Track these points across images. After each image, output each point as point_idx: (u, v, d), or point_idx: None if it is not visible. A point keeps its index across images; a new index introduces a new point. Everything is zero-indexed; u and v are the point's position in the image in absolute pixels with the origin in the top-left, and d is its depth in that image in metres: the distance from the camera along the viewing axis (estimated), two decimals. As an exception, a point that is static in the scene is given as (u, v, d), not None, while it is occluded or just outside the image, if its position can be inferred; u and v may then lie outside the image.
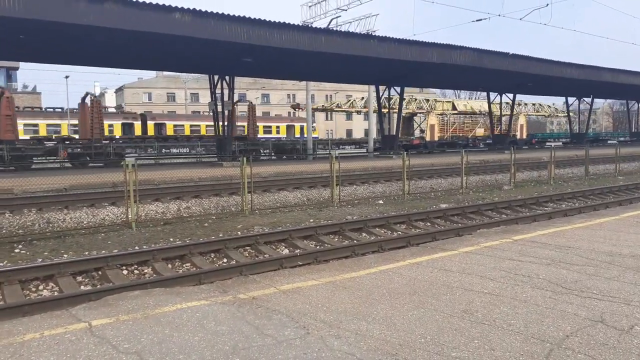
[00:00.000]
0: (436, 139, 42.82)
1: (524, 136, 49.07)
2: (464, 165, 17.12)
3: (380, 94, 31.81)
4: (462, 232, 9.66)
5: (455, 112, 47.82)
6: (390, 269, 5.87)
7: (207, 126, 37.60)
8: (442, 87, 72.13)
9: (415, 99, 46.23)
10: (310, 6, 30.35)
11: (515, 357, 3.51)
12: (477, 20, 28.52)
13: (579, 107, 46.43)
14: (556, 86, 36.64)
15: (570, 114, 49.18)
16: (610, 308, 4.44)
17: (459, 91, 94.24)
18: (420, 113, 47.26)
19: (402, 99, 30.95)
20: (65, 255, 8.53)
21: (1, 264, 7.97)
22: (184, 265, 8.08)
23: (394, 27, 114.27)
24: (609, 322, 4.12)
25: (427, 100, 47.09)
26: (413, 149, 36.92)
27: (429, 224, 11.37)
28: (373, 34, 25.24)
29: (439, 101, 49.26)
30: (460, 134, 46.83)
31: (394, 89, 31.10)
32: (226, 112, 24.98)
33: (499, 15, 27.21)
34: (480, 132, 48.63)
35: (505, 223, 10.61)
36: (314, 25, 27.30)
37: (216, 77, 25.29)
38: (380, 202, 14.85)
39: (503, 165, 22.49)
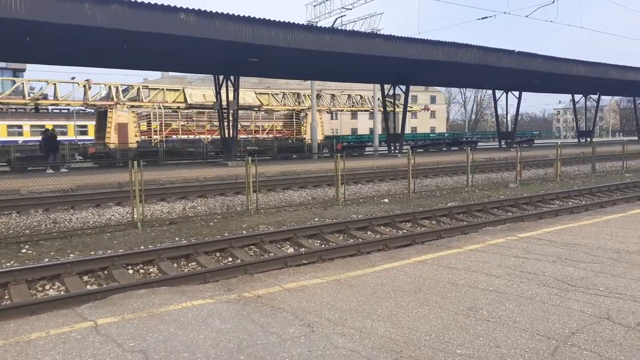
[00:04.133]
0: (134, 144, 29.54)
1: (319, 138, 35.58)
2: (469, 163, 17.06)
3: (386, 92, 31.78)
4: (468, 230, 9.63)
5: (183, 103, 33.03)
6: (395, 267, 5.86)
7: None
8: (447, 86, 72.03)
9: (108, 85, 31.91)
10: (315, 5, 30.37)
11: (520, 354, 3.49)
12: (482, 18, 28.47)
13: (585, 104, 46.14)
14: (563, 83, 36.44)
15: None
16: (617, 305, 4.41)
17: (465, 90, 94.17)
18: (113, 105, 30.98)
19: (407, 97, 30.87)
20: (71, 255, 8.57)
21: (8, 264, 8.02)
22: (189, 265, 8.09)
23: (398, 26, 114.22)
24: (615, 319, 4.09)
25: (125, 89, 32.16)
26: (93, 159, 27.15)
27: (434, 222, 11.34)
28: (378, 33, 25.22)
29: (154, 89, 34.15)
30: (193, 136, 33.25)
31: (399, 87, 31.05)
32: (232, 112, 25.05)
33: (505, 13, 27.10)
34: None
35: (511, 221, 10.56)
36: (318, 25, 27.31)
37: (221, 77, 25.37)
38: (386, 200, 14.83)
39: (509, 163, 22.40)
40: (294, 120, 37.85)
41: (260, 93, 37.52)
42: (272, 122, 36.81)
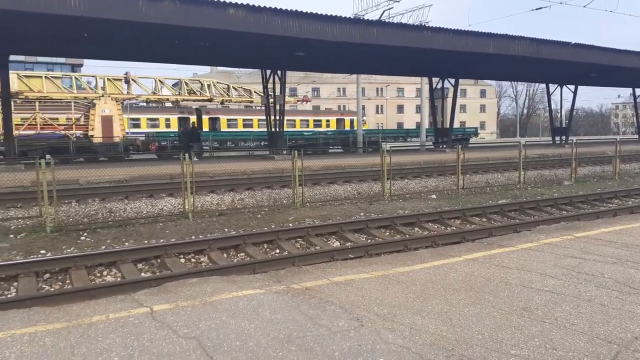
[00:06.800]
0: None
1: (116, 137, 27.56)
2: (521, 159, 16.52)
3: (434, 86, 31.24)
4: (520, 228, 9.34)
5: None
6: (444, 264, 5.76)
7: (259, 120, 38.19)
8: (498, 79, 69.95)
9: None
10: (362, -2, 30.13)
11: (579, 357, 3.37)
12: (537, 9, 27.33)
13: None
14: (622, 76, 34.59)
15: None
16: (685, 311, 4.17)
17: (516, 83, 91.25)
18: None
19: (456, 91, 30.22)
20: (126, 243, 8.91)
21: (69, 250, 8.44)
22: (238, 255, 8.25)
23: (447, 18, 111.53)
24: (683, 325, 3.87)
25: None
26: None
27: (484, 219, 11.05)
28: (426, 25, 24.75)
29: None
30: None
31: (448, 80, 30.43)
32: (278, 106, 25.29)
33: (561, 3, 25.95)
34: None
35: (566, 220, 10.16)
36: (365, 18, 27.09)
37: (268, 72, 25.63)
38: (433, 196, 14.58)
39: (564, 160, 21.56)
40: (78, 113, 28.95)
41: (29, 76, 28.13)
42: (43, 114, 27.52)
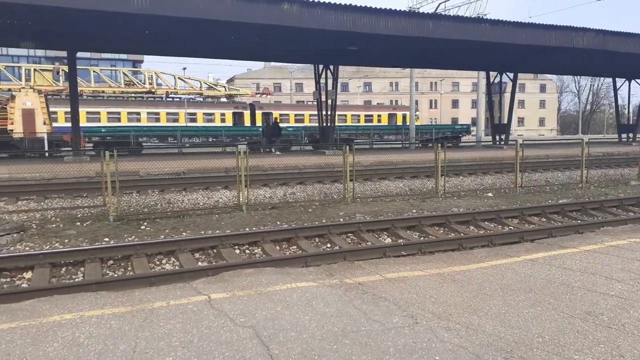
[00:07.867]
0: None
1: (40, 132, 24.62)
2: (584, 157, 15.75)
3: (492, 80, 30.31)
4: (583, 229, 8.92)
5: None
6: (502, 265, 5.60)
7: (310, 115, 38.44)
8: (560, 73, 66.94)
9: None
10: (417, -9, 29.61)
11: (650, 367, 3.19)
12: (603, -1, 25.85)
13: None
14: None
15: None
16: None
17: (579, 78, 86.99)
18: None
19: (515, 86, 29.21)
20: (184, 234, 9.21)
21: (130, 239, 8.83)
22: (290, 248, 8.35)
23: (507, 10, 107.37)
24: None
25: None
26: None
27: (544, 219, 10.63)
28: (484, 18, 24.02)
29: None
30: None
31: (507, 74, 29.44)
32: (330, 102, 25.33)
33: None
34: None
35: (633, 221, 9.60)
36: (421, 11, 26.63)
37: (320, 67, 25.71)
38: (489, 194, 14.18)
39: (630, 159, 20.39)
40: None
41: None
42: None
